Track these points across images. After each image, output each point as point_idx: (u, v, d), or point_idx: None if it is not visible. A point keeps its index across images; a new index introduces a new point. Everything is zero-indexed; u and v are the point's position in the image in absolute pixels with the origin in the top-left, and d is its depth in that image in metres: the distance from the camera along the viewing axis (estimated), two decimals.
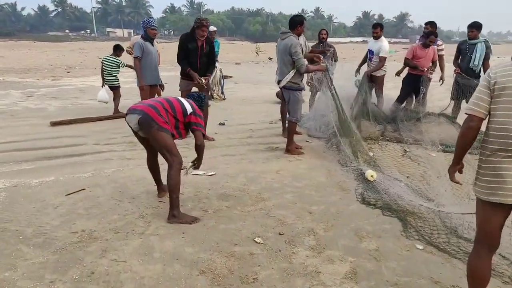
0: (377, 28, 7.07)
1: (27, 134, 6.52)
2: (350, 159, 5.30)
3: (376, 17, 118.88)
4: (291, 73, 5.40)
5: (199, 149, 3.82)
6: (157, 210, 3.75)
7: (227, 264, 2.90)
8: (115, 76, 8.14)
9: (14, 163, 5.07)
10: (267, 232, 3.38)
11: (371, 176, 4.66)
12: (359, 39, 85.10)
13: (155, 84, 6.59)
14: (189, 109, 3.71)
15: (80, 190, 4.16)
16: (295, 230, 3.43)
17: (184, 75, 5.93)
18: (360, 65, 7.71)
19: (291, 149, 5.69)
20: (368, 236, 3.36)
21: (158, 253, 3.03)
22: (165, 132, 3.52)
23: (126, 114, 3.64)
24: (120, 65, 8.12)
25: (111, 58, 8.08)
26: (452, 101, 7.01)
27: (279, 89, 7.01)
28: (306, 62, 5.56)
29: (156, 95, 6.72)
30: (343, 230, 3.46)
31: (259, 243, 3.20)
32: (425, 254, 3.09)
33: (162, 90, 7.16)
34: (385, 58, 7.03)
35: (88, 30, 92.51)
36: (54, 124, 7.02)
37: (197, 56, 5.84)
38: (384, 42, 7.05)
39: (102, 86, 8.26)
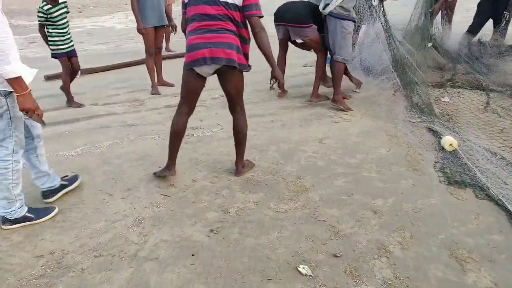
0: None
1: None
2: (416, 115, 4.04)
3: None
4: None
5: (262, 45, 2.71)
6: (159, 212, 2.69)
7: None
8: (54, 36, 4.51)
9: None
10: (316, 252, 2.27)
11: (450, 145, 3.41)
12: None
13: (161, 26, 5.21)
14: None
15: None
16: (357, 248, 2.30)
17: None
18: None
19: (338, 99, 4.44)
20: (472, 258, 2.20)
21: None
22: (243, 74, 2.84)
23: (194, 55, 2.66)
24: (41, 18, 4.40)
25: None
26: None
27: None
28: None
29: (164, 41, 5.44)
30: (430, 246, 2.31)
31: (305, 275, 2.11)
32: None
33: (174, 32, 5.84)
34: None
35: None
36: (48, 78, 5.92)
37: None
38: None
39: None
